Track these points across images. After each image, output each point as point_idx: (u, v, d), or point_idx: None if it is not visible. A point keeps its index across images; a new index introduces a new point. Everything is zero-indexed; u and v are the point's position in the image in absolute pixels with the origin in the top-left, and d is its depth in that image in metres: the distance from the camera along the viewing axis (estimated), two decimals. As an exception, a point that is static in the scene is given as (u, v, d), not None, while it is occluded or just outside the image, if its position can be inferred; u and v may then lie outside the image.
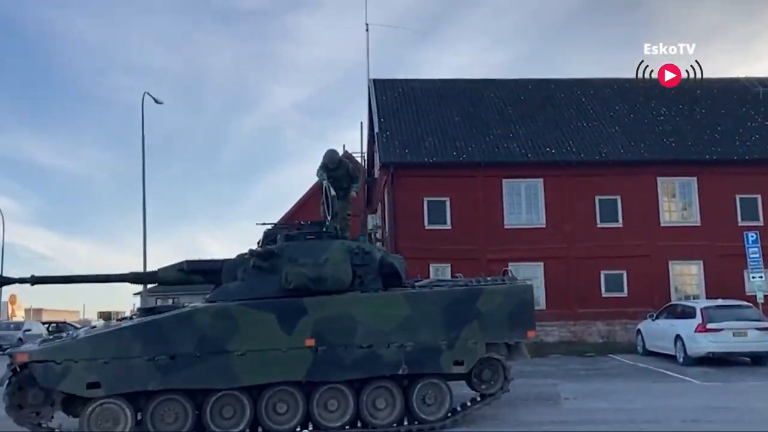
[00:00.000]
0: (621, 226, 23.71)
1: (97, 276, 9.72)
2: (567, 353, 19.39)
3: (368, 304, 8.88)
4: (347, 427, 8.73)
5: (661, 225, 23.82)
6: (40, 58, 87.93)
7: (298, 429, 8.62)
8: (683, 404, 10.34)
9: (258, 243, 10.06)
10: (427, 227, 23.06)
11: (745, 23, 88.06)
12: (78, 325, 35.94)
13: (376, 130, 24.61)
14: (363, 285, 9.09)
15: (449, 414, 9.04)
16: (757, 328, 15.23)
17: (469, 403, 9.31)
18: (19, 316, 43.15)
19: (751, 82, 27.81)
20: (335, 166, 10.74)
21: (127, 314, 12.74)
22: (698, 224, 23.91)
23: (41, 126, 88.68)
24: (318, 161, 10.61)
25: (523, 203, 23.74)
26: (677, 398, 11.00)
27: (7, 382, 7.83)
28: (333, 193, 9.89)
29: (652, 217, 23.78)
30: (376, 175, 28.87)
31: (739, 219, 23.85)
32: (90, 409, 7.99)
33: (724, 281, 22.88)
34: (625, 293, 23.19)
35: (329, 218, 9.79)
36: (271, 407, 8.53)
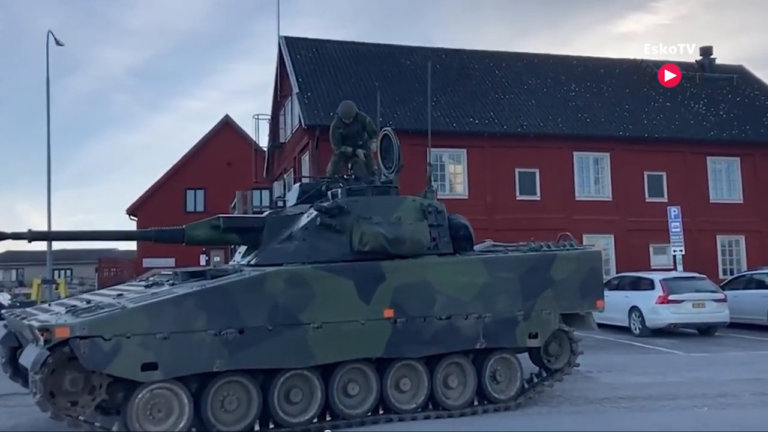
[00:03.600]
0: (539, 198, 23.86)
1: (113, 233, 7.91)
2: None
3: (446, 270, 7.81)
4: (419, 409, 7.66)
5: (576, 199, 24.20)
6: None
7: (369, 414, 7.44)
8: (716, 377, 10.10)
9: (298, 199, 8.74)
10: (351, 195, 21.92)
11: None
12: None
13: (295, 90, 23.04)
14: (437, 248, 8.01)
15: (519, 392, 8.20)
16: (714, 300, 15.57)
17: (535, 379, 8.49)
18: None
19: (648, 64, 28.83)
20: (350, 121, 9.63)
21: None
22: (610, 199, 24.52)
23: None
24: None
25: (447, 173, 23.29)
26: (699, 371, 10.71)
27: (41, 363, 6.00)
28: (398, 143, 8.70)
29: (567, 190, 24.11)
30: (283, 140, 27.31)
31: (647, 195, 24.73)
32: (138, 397, 6.37)
33: (632, 254, 23.71)
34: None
35: (393, 173, 8.64)
36: (341, 388, 7.28)
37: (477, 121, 23.59)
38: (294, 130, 24.97)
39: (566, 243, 8.94)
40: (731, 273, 23.84)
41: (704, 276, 16.86)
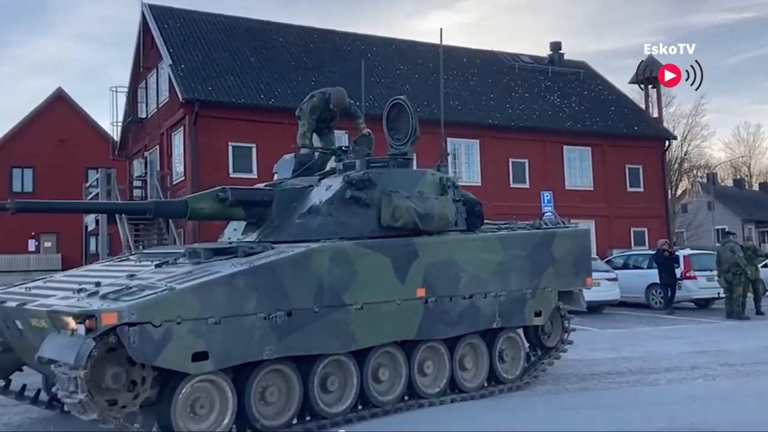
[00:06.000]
0: (415, 183, 24.04)
1: (107, 204, 6.79)
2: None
3: (470, 247, 7.53)
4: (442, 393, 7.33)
5: (449, 184, 24.65)
6: None
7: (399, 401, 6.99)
8: (665, 352, 10.49)
9: (294, 171, 8.07)
10: (231, 175, 20.85)
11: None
12: None
13: (168, 62, 21.47)
14: (457, 225, 7.68)
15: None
16: (607, 279, 16.47)
17: (532, 358, 8.43)
18: None
19: (506, 57, 30.04)
20: (337, 111, 9.15)
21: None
22: (479, 185, 25.23)
23: None
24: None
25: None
26: (644, 346, 11.04)
27: (87, 356, 4.94)
28: (413, 113, 8.27)
29: (441, 176, 24.47)
30: (142, 114, 25.41)
31: (511, 181, 25.78)
32: (181, 392, 5.50)
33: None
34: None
35: (409, 143, 8.20)
36: (373, 374, 6.79)
37: (357, 104, 23.24)
38: (161, 104, 23.33)
39: (558, 221, 8.99)
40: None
41: (597, 256, 17.79)
